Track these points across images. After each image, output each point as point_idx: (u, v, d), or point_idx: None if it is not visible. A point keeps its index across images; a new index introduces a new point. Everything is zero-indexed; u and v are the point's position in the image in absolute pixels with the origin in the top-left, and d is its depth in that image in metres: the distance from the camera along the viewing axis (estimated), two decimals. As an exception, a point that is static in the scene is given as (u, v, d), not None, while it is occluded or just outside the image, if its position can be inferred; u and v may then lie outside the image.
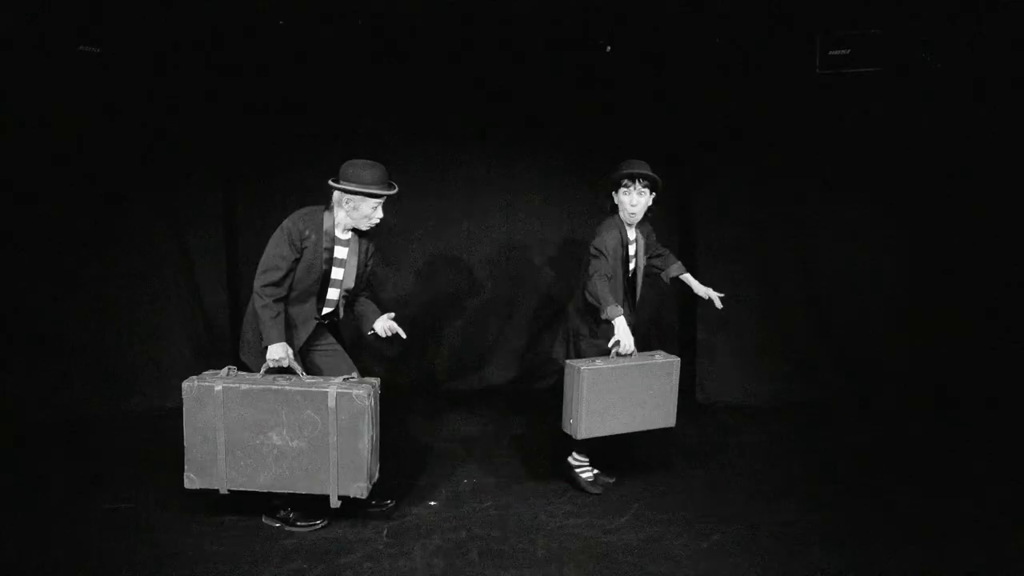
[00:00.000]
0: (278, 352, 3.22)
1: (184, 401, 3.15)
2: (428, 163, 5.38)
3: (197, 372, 4.97)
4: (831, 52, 4.77)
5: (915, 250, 5.12)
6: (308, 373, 3.36)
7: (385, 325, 3.45)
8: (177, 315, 5.07)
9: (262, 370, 3.25)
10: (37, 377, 4.81)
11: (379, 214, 3.32)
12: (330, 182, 3.27)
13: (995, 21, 4.57)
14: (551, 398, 5.42)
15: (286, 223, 3.26)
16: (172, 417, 4.84)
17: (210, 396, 3.14)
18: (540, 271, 5.60)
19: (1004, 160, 4.79)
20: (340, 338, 3.59)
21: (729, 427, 4.79)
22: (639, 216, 3.64)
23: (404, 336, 3.48)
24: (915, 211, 5.07)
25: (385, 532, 3.34)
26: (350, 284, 3.44)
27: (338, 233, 3.34)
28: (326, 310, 3.44)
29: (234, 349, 5.16)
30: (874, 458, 4.21)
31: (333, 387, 3.13)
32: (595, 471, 3.82)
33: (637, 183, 3.58)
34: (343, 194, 3.25)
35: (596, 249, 3.60)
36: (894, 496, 3.70)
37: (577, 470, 3.79)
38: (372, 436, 3.19)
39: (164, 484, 3.84)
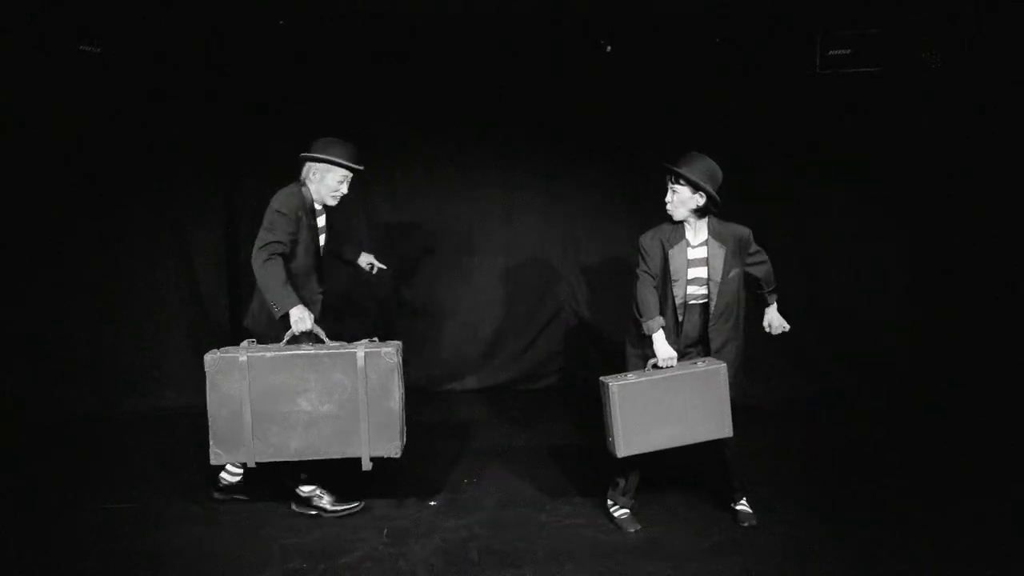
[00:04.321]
0: (299, 313, 3.20)
1: (207, 374, 3.09)
2: (428, 163, 5.38)
3: (197, 372, 5.05)
4: (831, 52, 4.76)
5: (915, 250, 5.12)
6: None
7: (368, 259, 3.82)
8: (177, 315, 5.07)
9: (285, 337, 3.20)
10: (37, 377, 4.81)
11: (344, 188, 3.44)
12: (301, 154, 3.40)
13: (995, 21, 4.57)
14: (550, 398, 5.44)
15: (277, 205, 3.32)
16: (172, 417, 4.89)
17: (235, 367, 3.08)
18: (540, 271, 5.59)
19: (1004, 160, 4.79)
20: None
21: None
22: (677, 216, 3.29)
23: (384, 267, 3.91)
24: (915, 211, 5.06)
25: (385, 532, 3.34)
26: (330, 248, 3.65)
27: (316, 206, 3.47)
28: (322, 282, 3.57)
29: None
30: (874, 458, 4.21)
31: (360, 348, 3.12)
32: (628, 511, 3.49)
33: (669, 179, 3.28)
34: (311, 168, 3.40)
35: (639, 245, 3.37)
36: (894, 496, 3.69)
37: (611, 510, 3.51)
38: (402, 395, 3.18)
39: (164, 484, 3.84)
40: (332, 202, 3.45)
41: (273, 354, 3.10)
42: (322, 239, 3.54)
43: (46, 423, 4.69)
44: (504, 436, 4.65)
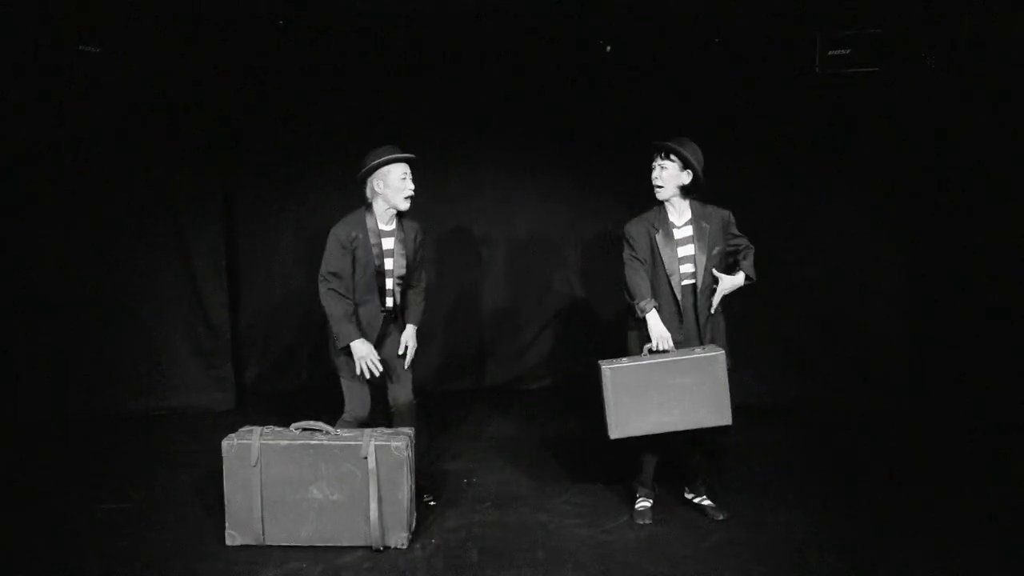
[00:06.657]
0: (363, 349, 3.36)
1: (224, 460, 3.17)
2: (427, 162, 5.35)
3: (196, 372, 5.07)
4: (831, 52, 4.76)
5: (915, 250, 5.11)
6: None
7: (405, 338, 3.58)
8: (177, 315, 5.07)
9: (357, 368, 3.36)
10: (37, 377, 4.81)
11: (410, 184, 3.45)
12: (357, 176, 3.41)
13: (995, 21, 4.57)
14: (550, 398, 5.44)
15: (333, 229, 3.42)
16: (172, 417, 4.90)
17: (248, 454, 3.16)
18: (540, 271, 5.60)
19: (1004, 160, 4.79)
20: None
21: (728, 427, 4.78)
22: (664, 194, 3.37)
23: (409, 360, 3.60)
24: (915, 211, 5.06)
25: (385, 532, 3.34)
26: (401, 271, 3.55)
27: (382, 225, 3.47)
28: (389, 302, 3.56)
29: (235, 349, 5.21)
30: (874, 458, 4.21)
31: (372, 441, 3.17)
32: (648, 503, 3.54)
33: (658, 156, 3.36)
34: (371, 182, 3.41)
35: (624, 233, 3.43)
36: (894, 496, 3.70)
37: (636, 500, 3.56)
38: (411, 486, 3.23)
39: (163, 484, 3.85)
40: (405, 204, 3.45)
41: (287, 443, 3.17)
42: (389, 261, 3.50)
43: (46, 423, 4.69)
44: (504, 436, 4.65)
